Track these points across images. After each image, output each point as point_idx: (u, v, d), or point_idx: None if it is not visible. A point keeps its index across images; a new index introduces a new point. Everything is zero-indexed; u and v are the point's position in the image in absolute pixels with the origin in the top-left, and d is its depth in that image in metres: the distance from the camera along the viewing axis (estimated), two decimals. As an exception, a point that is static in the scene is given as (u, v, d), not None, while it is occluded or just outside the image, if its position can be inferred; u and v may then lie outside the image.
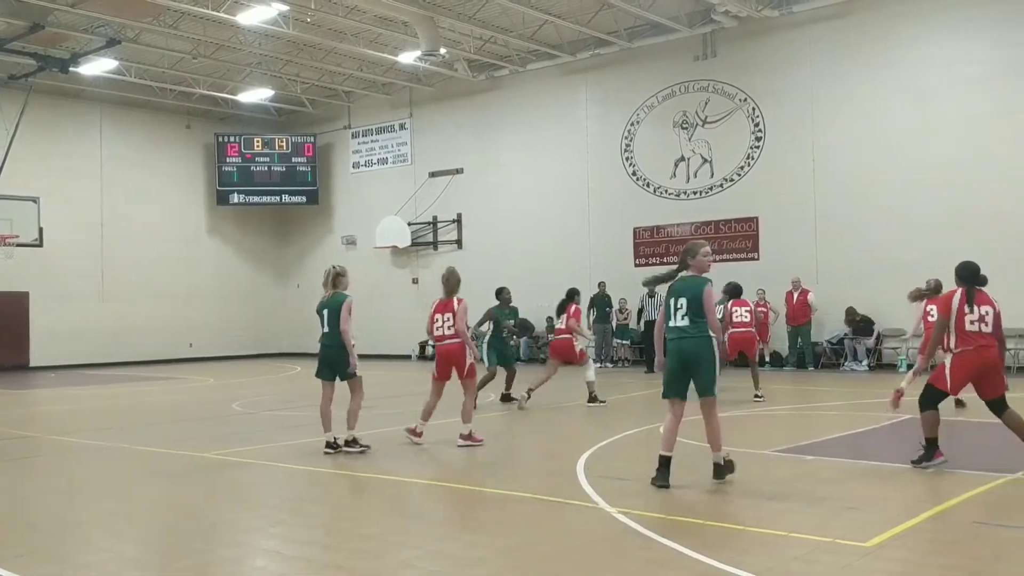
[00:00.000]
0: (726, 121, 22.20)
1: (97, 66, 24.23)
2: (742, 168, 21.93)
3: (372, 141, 29.41)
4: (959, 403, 11.71)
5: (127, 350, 27.75)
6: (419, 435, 10.39)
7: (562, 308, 14.56)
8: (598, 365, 22.42)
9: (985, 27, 18.88)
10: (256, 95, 27.93)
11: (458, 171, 27.08)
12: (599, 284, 22.89)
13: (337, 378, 9.98)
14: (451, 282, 10.72)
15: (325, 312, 9.99)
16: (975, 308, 8.02)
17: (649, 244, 23.30)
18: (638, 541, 6.06)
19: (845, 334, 20.02)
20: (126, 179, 28.45)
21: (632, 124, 23.65)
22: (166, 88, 27.22)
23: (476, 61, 25.07)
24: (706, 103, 22.50)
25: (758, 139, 21.71)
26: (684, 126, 22.86)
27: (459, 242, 27.18)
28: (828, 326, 20.48)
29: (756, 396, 13.97)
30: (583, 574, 5.42)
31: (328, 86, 27.87)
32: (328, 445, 9.82)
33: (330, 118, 30.29)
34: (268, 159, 29.77)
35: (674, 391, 7.83)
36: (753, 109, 21.77)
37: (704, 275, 7.92)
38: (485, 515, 7.20)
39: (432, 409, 10.53)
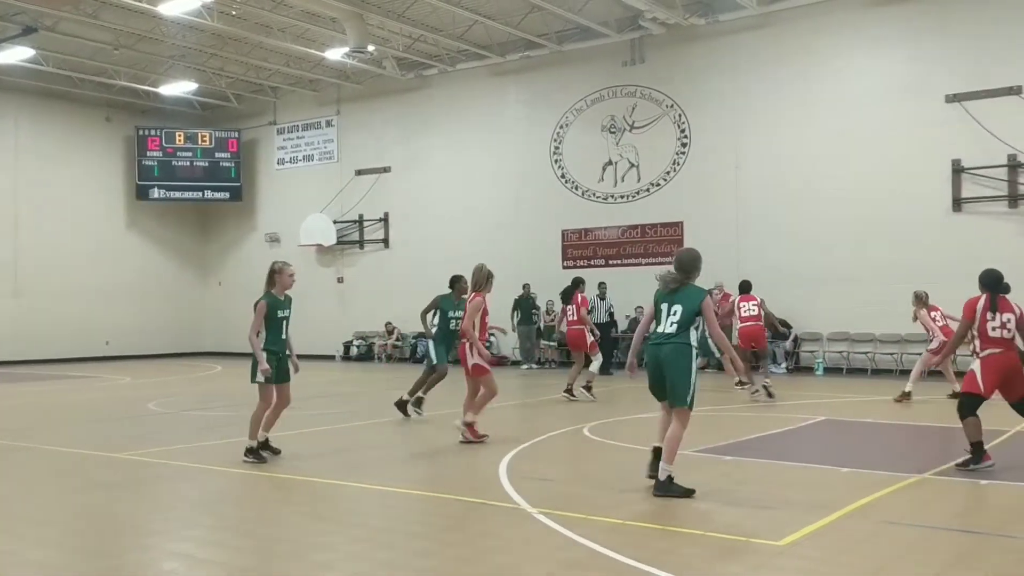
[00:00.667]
0: (653, 127, 22.47)
1: (12, 55, 23.38)
2: (668, 173, 22.23)
3: (298, 138, 29.01)
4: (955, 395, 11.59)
5: (41, 348, 26.83)
6: (479, 436, 10.30)
7: (568, 296, 14.90)
8: (524, 367, 22.59)
9: (894, 44, 19.49)
10: (179, 88, 27.29)
11: (385, 169, 26.88)
12: (524, 286, 22.94)
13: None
14: (474, 278, 10.61)
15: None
16: (997, 315, 8.27)
17: (577, 247, 23.45)
18: (557, 542, 6.07)
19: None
20: (42, 172, 27.51)
21: (561, 127, 23.78)
22: (85, 79, 26.43)
23: (405, 59, 24.93)
24: (634, 108, 22.75)
25: (684, 145, 22.02)
26: (612, 130, 23.07)
27: (386, 241, 26.99)
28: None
29: (741, 383, 15.05)
30: (502, 574, 5.40)
31: (254, 81, 27.40)
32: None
33: (255, 113, 29.78)
34: (190, 154, 29.12)
35: (659, 396, 7.58)
36: (679, 115, 22.08)
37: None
38: (404, 516, 7.14)
39: (468, 401, 10.51)
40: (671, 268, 7.68)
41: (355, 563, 5.70)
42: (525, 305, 22.73)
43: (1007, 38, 18.13)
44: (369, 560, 5.78)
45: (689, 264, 7.54)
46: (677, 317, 7.33)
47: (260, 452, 9.30)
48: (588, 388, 14.77)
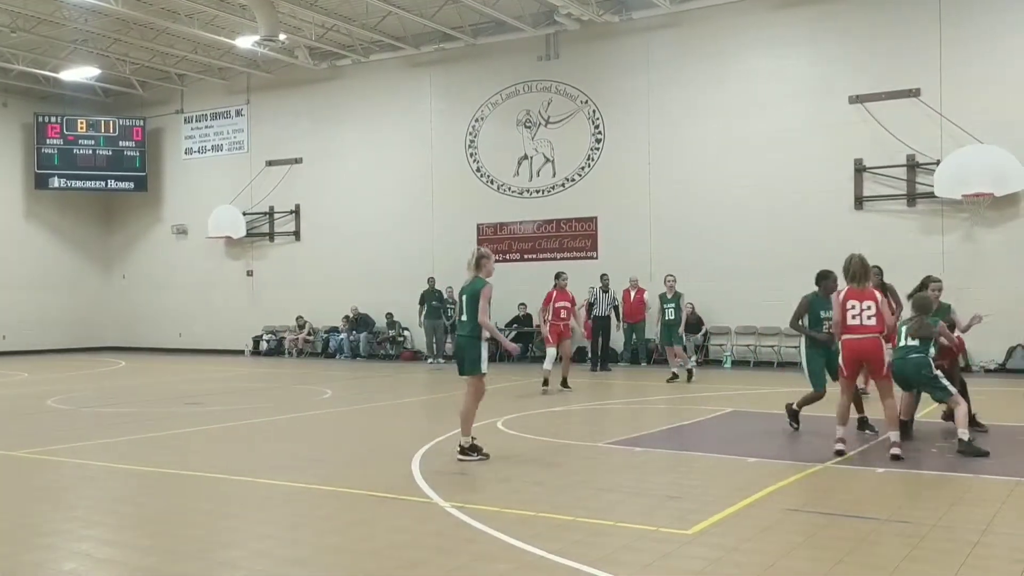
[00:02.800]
0: (568, 122, 22.61)
1: (-102, 33, 22.22)
2: (583, 168, 22.40)
3: (206, 127, 28.28)
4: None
5: (-71, 343, 25.64)
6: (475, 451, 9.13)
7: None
8: (429, 361, 22.42)
9: (800, 46, 19.99)
10: (80, 74, 26.29)
11: (297, 161, 26.43)
12: (428, 280, 22.81)
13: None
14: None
15: (464, 298, 8.97)
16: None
17: (493, 241, 23.43)
18: (469, 535, 6.05)
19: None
20: (-69, 158, 26.26)
21: (476, 120, 23.74)
22: (-21, 62, 25.30)
23: (317, 49, 24.53)
24: (549, 103, 22.85)
25: (598, 141, 22.22)
26: (528, 125, 23.13)
27: (297, 233, 26.54)
28: (661, 324, 21.13)
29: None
30: (409, 570, 5.36)
31: (160, 68, 26.60)
32: (463, 451, 8.81)
33: (161, 101, 28.92)
34: (93, 142, 28.13)
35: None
36: (594, 111, 22.26)
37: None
38: (312, 512, 7.01)
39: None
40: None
41: (260, 560, 5.58)
42: (431, 298, 22.58)
43: (906, 41, 18.78)
44: (274, 557, 5.67)
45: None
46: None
47: (478, 447, 8.89)
48: (545, 383, 14.88)
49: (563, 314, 15.51)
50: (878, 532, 6.04)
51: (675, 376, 16.49)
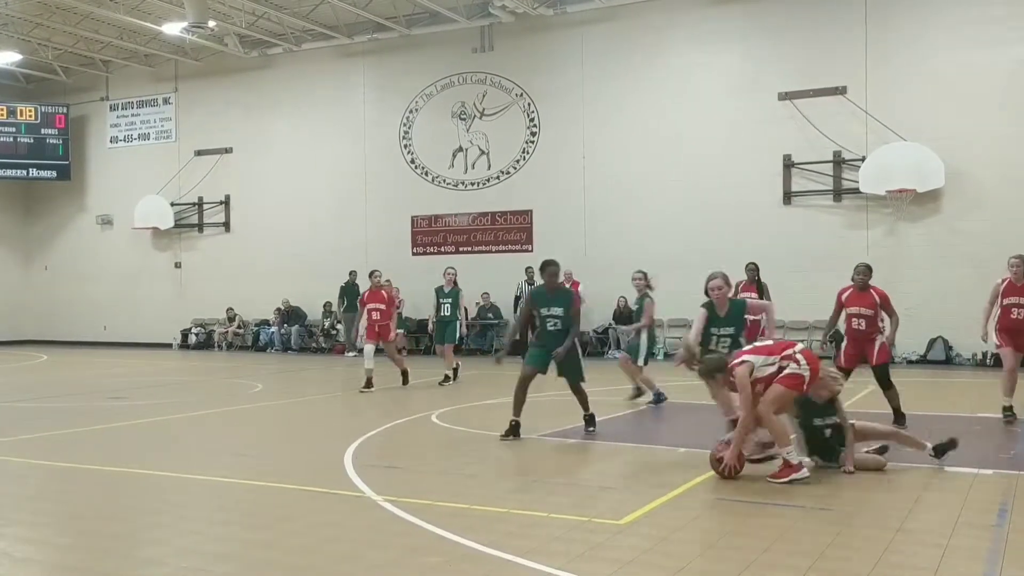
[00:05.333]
0: (503, 114, 22.59)
1: None
2: (518, 161, 22.41)
3: (133, 115, 27.57)
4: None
5: None
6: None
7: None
8: (351, 355, 21.85)
9: (730, 42, 20.27)
10: (0, 59, 25.39)
11: (227, 150, 25.93)
12: (350, 273, 22.52)
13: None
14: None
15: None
16: None
17: (427, 233, 23.33)
18: (401, 528, 6.00)
19: (610, 324, 20.91)
20: None
21: (411, 111, 23.56)
22: None
23: (248, 37, 24.08)
24: (484, 95, 22.79)
25: (533, 134, 22.25)
26: (462, 117, 23.04)
27: (227, 225, 26.05)
28: (595, 317, 21.26)
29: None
30: (340, 564, 5.29)
31: (84, 54, 25.83)
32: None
33: (85, 88, 28.10)
34: (13, 129, 27.20)
35: None
36: (529, 104, 22.28)
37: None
38: (240, 508, 6.88)
39: None
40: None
41: (186, 557, 5.45)
42: (351, 292, 22.28)
43: (833, 40, 19.18)
44: (201, 554, 5.55)
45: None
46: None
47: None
48: (368, 383, 14.17)
49: (376, 315, 14.41)
50: (804, 519, 6.16)
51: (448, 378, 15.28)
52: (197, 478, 7.84)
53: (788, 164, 19.56)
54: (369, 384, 14.06)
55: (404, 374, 14.86)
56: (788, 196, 19.60)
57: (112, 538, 5.93)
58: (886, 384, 9.98)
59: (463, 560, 5.30)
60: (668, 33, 20.82)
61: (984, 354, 17.73)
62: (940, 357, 18.11)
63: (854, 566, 5.13)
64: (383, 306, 14.54)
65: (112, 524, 6.33)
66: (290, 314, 24.27)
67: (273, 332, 24.38)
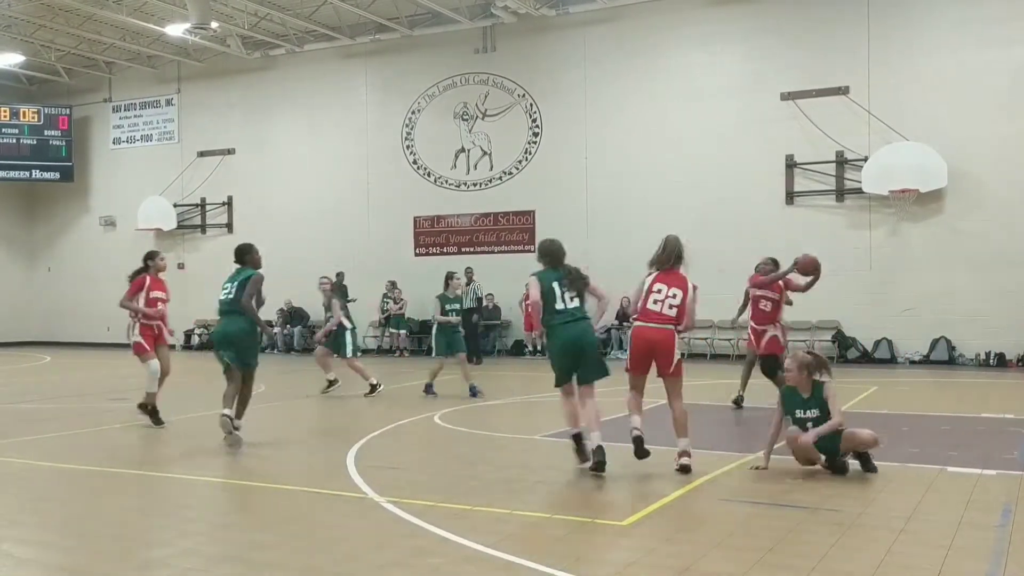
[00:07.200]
0: (505, 115, 22.58)
1: None
2: (520, 162, 22.41)
3: (136, 116, 27.59)
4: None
5: None
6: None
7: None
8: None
9: (732, 42, 20.26)
10: (3, 60, 25.38)
11: (229, 151, 25.95)
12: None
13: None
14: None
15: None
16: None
17: (429, 234, 23.33)
18: (405, 529, 6.00)
19: (613, 325, 20.90)
20: None
21: (413, 112, 23.57)
22: None
23: (250, 38, 24.10)
24: (486, 96, 22.79)
25: (535, 134, 22.24)
26: (465, 117, 23.05)
27: (229, 226, 26.06)
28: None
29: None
30: (343, 565, 5.29)
31: (87, 55, 25.87)
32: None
33: (89, 89, 28.13)
34: (16, 131, 27.23)
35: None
36: (531, 105, 22.28)
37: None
38: (245, 509, 6.89)
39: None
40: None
41: (189, 558, 5.45)
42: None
43: (836, 40, 19.16)
44: (203, 555, 5.54)
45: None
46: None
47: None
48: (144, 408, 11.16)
49: (160, 306, 11.71)
50: (808, 521, 6.14)
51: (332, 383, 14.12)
52: (200, 479, 7.85)
53: (791, 164, 19.54)
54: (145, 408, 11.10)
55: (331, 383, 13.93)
56: (791, 196, 19.58)
57: (115, 539, 5.93)
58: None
59: (466, 561, 5.29)
60: (670, 33, 20.81)
61: (987, 354, 17.72)
62: (943, 357, 18.07)
63: (858, 567, 5.12)
64: (165, 296, 11.96)
65: (115, 525, 6.33)
66: (292, 315, 24.27)
67: (275, 333, 24.35)
